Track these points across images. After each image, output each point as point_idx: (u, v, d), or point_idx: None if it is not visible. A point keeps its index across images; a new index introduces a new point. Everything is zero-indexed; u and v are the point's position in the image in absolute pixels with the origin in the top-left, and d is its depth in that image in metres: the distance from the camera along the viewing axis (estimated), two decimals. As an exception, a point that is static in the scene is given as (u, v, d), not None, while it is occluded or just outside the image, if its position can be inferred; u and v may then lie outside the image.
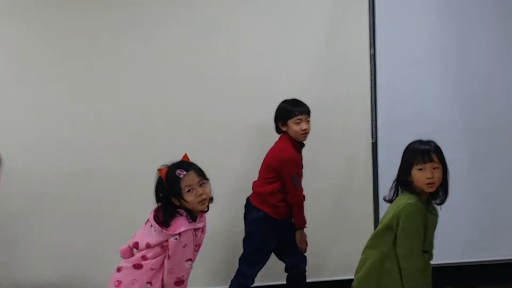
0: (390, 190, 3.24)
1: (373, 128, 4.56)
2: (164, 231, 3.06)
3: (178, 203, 3.09)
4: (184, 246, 3.06)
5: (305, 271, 4.13)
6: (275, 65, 4.49)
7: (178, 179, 3.06)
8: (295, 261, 4.10)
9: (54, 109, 4.33)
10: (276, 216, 3.98)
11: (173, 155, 4.20)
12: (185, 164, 3.14)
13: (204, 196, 3.09)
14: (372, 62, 4.55)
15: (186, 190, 3.06)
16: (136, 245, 3.15)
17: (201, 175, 3.13)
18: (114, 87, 4.38)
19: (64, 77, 4.33)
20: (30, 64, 4.31)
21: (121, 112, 4.37)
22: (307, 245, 4.03)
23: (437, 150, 3.12)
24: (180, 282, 3.10)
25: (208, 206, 3.20)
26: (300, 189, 3.99)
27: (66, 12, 4.31)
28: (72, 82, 4.35)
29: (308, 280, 4.16)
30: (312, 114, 4.38)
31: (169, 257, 3.06)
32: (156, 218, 3.12)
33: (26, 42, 4.30)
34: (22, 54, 4.31)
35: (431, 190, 3.10)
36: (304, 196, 4.00)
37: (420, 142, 3.17)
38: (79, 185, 4.35)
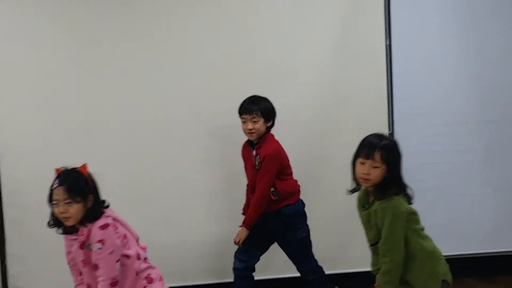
0: None
1: (390, 119, 4.55)
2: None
3: None
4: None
5: (313, 281, 4.09)
6: (289, 56, 4.47)
7: (51, 188, 3.05)
8: (299, 269, 4.10)
9: (67, 107, 4.37)
10: None
11: (188, 150, 4.31)
12: (63, 177, 3.05)
13: (63, 215, 3.02)
14: (388, 53, 4.54)
15: (54, 202, 3.03)
16: None
17: (71, 193, 3.01)
18: (120, 86, 4.41)
19: (77, 75, 4.36)
20: (43, 61, 4.33)
21: (128, 109, 4.40)
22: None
23: (384, 148, 3.06)
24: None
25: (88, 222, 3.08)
26: None
27: (82, 9, 4.34)
28: (84, 81, 4.38)
29: (326, 272, 4.14)
30: (327, 105, 4.44)
31: None
32: None
33: (40, 39, 4.32)
34: (35, 52, 4.33)
35: (364, 184, 3.13)
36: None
37: (375, 136, 3.16)
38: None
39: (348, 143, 4.42)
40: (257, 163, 3.90)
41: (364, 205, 3.20)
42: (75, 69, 4.35)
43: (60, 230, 3.14)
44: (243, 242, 3.94)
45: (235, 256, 4.05)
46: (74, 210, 2.99)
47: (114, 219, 3.09)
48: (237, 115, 3.98)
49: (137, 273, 3.11)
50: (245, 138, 4.04)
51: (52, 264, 4.32)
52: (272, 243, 4.09)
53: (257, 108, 3.89)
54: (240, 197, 4.14)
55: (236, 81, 4.40)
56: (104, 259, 2.99)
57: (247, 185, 4.07)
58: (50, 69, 4.32)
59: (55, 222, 3.10)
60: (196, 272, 4.52)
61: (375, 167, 3.04)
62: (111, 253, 3.00)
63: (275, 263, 4.39)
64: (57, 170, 3.07)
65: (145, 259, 3.20)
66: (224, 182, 4.45)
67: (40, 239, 4.29)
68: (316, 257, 4.11)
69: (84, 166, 3.08)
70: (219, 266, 4.47)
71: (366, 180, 3.07)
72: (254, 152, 3.93)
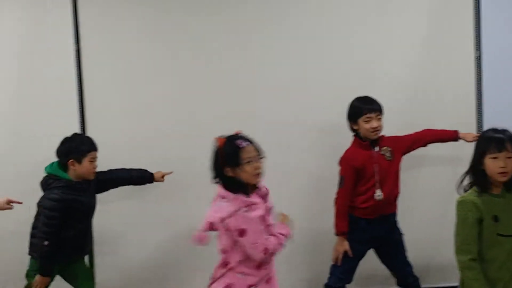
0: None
1: (479, 131, 4.44)
2: (241, 197, 3.01)
3: (231, 174, 3.04)
4: (252, 219, 3.00)
5: (413, 283, 4.07)
6: (377, 65, 4.46)
7: (238, 149, 3.02)
8: (403, 272, 4.06)
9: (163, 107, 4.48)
10: (359, 215, 3.96)
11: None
12: (245, 137, 3.11)
13: (259, 171, 3.05)
14: (478, 64, 4.45)
15: (246, 161, 3.02)
16: (210, 225, 3.08)
17: (259, 150, 3.10)
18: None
19: (173, 76, 4.48)
20: (144, 63, 4.47)
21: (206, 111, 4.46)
22: (337, 255, 3.96)
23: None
24: (267, 250, 3.02)
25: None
26: (341, 191, 3.95)
27: (178, 14, 4.46)
28: (178, 83, 4.49)
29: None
30: (415, 116, 4.40)
31: (244, 232, 2.99)
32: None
33: (140, 43, 4.46)
34: (124, 57, 4.47)
35: (503, 179, 3.03)
36: (341, 201, 3.95)
37: (494, 130, 3.11)
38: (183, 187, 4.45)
39: (436, 156, 4.40)
40: (388, 154, 3.95)
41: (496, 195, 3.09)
42: (163, 74, 4.48)
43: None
44: None
45: (333, 273, 4.02)
46: (263, 166, 3.08)
47: None
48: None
49: None
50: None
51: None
52: None
53: (378, 106, 3.94)
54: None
55: (325, 87, 4.44)
56: None
57: (340, 198, 3.96)
58: (139, 78, 4.47)
59: (240, 186, 3.05)
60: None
61: (510, 158, 3.00)
62: None
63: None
64: (218, 139, 3.09)
65: None
66: (319, 186, 4.44)
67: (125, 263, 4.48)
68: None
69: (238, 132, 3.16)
70: (307, 276, 4.44)
71: (505, 173, 3.01)
72: (378, 148, 3.95)
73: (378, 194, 3.91)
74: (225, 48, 4.46)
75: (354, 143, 4.00)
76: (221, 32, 4.46)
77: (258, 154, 3.07)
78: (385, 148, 3.96)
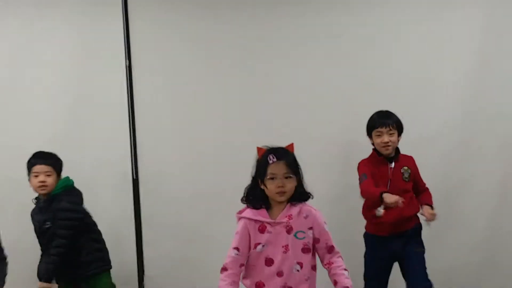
0: None
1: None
2: (244, 211, 3.09)
3: (261, 186, 3.05)
4: (236, 233, 3.04)
5: None
6: (427, 74, 4.37)
7: (266, 164, 3.01)
8: (420, 284, 3.87)
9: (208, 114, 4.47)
10: (374, 232, 3.89)
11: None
12: (281, 152, 3.05)
13: (282, 189, 2.99)
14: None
15: (269, 177, 3.00)
16: None
17: (291, 168, 3.01)
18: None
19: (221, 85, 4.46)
20: (195, 78, 4.46)
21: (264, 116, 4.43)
22: (396, 201, 3.60)
23: None
24: (223, 268, 3.01)
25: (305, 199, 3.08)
26: (364, 183, 3.81)
27: (230, 28, 4.45)
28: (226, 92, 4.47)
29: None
30: (465, 126, 4.35)
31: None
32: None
33: (192, 58, 4.47)
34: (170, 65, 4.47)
35: None
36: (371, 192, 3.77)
37: None
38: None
39: (486, 169, 4.31)
40: (407, 175, 3.88)
41: None
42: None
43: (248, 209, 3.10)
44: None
45: None
46: (291, 185, 3.02)
47: None
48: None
49: None
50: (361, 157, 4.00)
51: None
52: None
53: (392, 122, 3.87)
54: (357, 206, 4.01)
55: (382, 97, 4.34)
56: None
57: (363, 186, 3.83)
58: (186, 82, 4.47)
59: (252, 199, 3.08)
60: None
61: None
62: None
63: None
64: (260, 149, 3.11)
65: None
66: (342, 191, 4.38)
67: (177, 259, 4.42)
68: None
69: (292, 145, 3.14)
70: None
71: None
72: (393, 164, 3.88)
73: (379, 210, 3.72)
74: (277, 61, 4.44)
75: (370, 156, 3.95)
76: (273, 44, 4.44)
77: (287, 172, 3.01)
78: (406, 168, 3.90)
